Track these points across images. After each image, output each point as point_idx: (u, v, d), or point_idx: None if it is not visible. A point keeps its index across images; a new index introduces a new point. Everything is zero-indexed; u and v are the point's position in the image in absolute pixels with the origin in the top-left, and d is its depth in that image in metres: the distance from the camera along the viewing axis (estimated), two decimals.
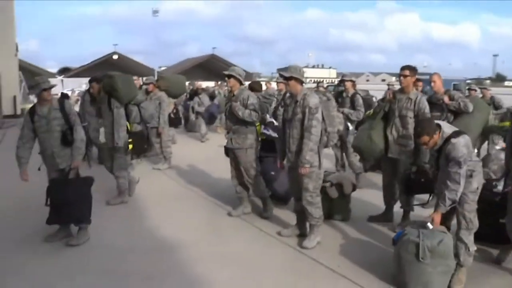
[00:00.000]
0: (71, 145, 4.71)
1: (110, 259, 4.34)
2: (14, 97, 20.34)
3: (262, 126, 5.78)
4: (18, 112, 20.50)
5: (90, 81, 6.98)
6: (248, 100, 5.31)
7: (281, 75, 4.99)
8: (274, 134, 5.80)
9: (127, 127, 6.09)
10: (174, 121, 10.44)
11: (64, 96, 5.17)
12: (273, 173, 5.85)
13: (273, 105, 6.36)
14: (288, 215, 5.56)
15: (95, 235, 4.79)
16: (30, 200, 5.65)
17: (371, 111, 5.96)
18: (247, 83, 6.03)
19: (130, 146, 6.14)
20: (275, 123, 5.74)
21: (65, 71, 43.25)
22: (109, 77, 5.99)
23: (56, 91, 5.40)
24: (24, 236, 4.88)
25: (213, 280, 3.89)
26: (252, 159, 5.45)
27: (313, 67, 73.34)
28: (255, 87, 6.21)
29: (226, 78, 5.50)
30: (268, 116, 5.74)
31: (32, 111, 4.75)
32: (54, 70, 44.17)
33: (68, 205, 4.54)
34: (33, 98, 22.71)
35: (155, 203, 6.27)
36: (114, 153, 6.05)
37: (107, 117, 6.00)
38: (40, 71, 33.91)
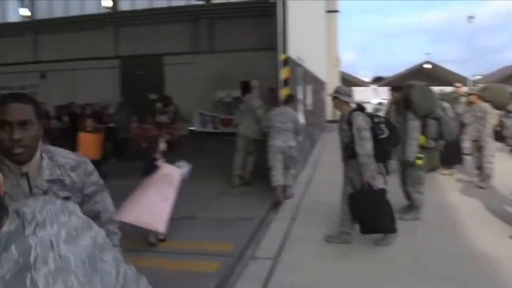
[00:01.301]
0: (353, 158, 4.75)
1: (428, 261, 4.45)
2: None
3: None
4: (337, 118, 23.14)
5: (391, 89, 6.75)
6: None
7: None
8: None
9: (418, 141, 5.72)
10: (498, 135, 9.56)
11: (360, 108, 5.00)
12: None
13: None
14: None
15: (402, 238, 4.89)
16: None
17: None
18: None
19: (420, 162, 5.68)
20: None
21: (378, 80, 45.00)
22: (408, 87, 5.82)
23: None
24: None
25: None
26: None
27: None
28: None
29: None
30: None
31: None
32: (367, 79, 46.55)
33: (369, 219, 4.71)
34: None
35: (465, 213, 6.06)
36: (408, 167, 5.79)
37: (401, 128, 5.58)
38: (355, 81, 36.72)
